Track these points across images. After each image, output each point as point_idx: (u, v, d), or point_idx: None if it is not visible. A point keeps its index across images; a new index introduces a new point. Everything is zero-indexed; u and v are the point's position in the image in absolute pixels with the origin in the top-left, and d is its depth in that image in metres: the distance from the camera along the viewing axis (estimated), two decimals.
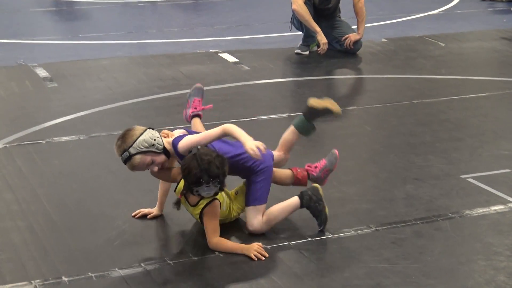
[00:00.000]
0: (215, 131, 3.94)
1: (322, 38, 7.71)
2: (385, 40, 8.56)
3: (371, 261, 3.81)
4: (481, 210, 4.35)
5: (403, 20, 9.93)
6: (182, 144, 3.97)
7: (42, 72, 7.11)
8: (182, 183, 3.97)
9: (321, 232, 4.08)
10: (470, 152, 5.26)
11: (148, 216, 4.25)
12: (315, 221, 4.13)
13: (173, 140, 4.02)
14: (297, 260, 3.83)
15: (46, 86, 6.75)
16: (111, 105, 6.25)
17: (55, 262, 3.80)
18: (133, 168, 3.98)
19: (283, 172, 4.32)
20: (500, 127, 5.80)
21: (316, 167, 4.32)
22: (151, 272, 3.72)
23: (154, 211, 4.27)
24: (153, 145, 3.95)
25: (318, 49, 7.78)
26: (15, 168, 4.94)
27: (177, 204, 3.97)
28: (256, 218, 4.06)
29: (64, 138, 5.48)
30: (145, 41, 8.65)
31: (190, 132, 4.17)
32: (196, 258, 3.85)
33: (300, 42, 7.98)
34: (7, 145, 5.33)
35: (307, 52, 7.92)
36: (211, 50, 8.01)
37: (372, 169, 5.01)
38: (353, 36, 7.87)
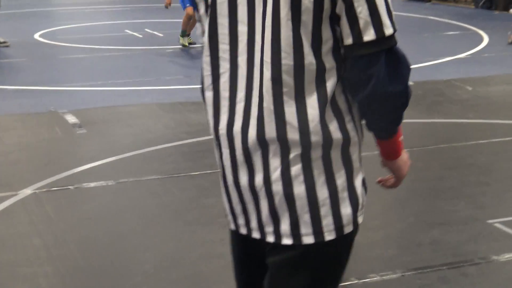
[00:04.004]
0: None
1: None
2: (412, 84, 8.59)
3: None
4: (508, 256, 4.32)
5: (430, 64, 9.98)
6: None
7: (71, 119, 7.22)
8: None
9: (347, 279, 4.08)
10: (498, 197, 5.24)
11: None
12: None
13: None
14: None
15: (75, 133, 6.86)
16: (139, 151, 6.32)
17: None
18: None
19: None
20: None
21: None
22: None
23: None
24: None
25: None
26: (44, 214, 5.01)
27: None
28: None
29: (92, 184, 5.55)
30: (173, 87, 8.76)
31: None
32: None
33: None
34: (37, 191, 5.40)
35: None
36: None
37: (398, 214, 5.00)
38: None
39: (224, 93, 2.10)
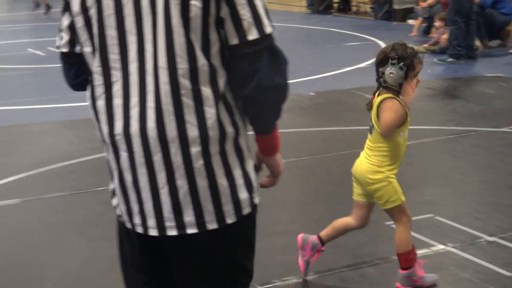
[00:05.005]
0: None
1: None
2: (313, 94, 8.75)
3: None
4: None
5: (332, 74, 10.18)
6: None
7: None
8: None
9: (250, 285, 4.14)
10: None
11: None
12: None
13: None
14: None
15: None
16: (42, 169, 6.26)
17: None
18: None
19: None
20: (423, 174, 5.98)
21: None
22: None
23: None
24: None
25: None
26: None
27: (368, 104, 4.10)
28: None
29: None
30: (77, 104, 8.67)
31: None
32: None
33: None
34: None
35: None
36: None
37: (300, 220, 5.11)
38: None
39: (117, 100, 2.21)
